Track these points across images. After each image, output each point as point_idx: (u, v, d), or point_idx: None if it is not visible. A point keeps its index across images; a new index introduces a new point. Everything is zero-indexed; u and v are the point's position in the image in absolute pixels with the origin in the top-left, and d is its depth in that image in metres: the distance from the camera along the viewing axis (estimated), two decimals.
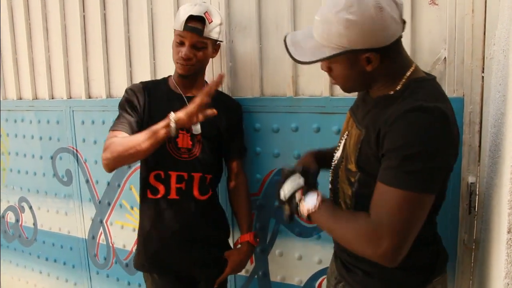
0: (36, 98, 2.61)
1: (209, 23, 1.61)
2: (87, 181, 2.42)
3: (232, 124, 1.78)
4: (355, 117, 1.22)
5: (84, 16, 2.32)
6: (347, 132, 1.23)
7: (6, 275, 3.02)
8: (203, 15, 1.60)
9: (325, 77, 1.66)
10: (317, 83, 1.75)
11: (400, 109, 1.01)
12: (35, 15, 2.51)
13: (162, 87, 1.76)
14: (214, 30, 1.65)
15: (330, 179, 1.30)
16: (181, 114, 1.45)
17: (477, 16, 1.41)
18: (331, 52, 1.05)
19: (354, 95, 1.30)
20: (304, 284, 1.89)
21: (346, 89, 1.20)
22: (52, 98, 2.52)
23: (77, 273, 2.61)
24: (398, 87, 1.09)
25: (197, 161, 1.69)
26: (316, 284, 1.86)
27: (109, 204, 2.36)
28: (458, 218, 1.54)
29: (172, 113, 1.46)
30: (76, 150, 2.43)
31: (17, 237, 2.91)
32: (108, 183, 2.33)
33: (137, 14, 2.15)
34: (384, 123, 1.02)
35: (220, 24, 1.69)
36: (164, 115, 1.50)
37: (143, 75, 2.15)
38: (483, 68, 1.43)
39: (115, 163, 1.53)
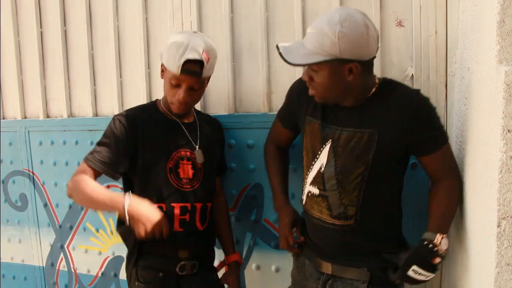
0: None
1: (207, 62, 1.48)
2: (45, 205, 2.29)
3: (221, 143, 1.79)
4: (332, 124, 1.35)
5: (41, 32, 2.23)
6: (330, 140, 1.34)
7: None
8: (201, 57, 1.45)
9: None
10: None
11: (404, 97, 1.28)
12: None
13: (155, 114, 1.62)
14: (211, 67, 1.54)
15: (314, 191, 1.40)
16: (139, 210, 1.42)
17: (440, 37, 1.56)
18: (322, 58, 1.22)
19: None
20: None
21: (323, 99, 1.33)
22: (3, 118, 2.38)
23: None
24: (373, 90, 1.31)
25: (198, 190, 1.64)
26: None
27: (71, 228, 2.24)
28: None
29: (129, 197, 1.43)
30: (33, 173, 2.30)
31: None
32: (70, 206, 2.22)
33: (102, 31, 2.10)
34: (403, 114, 1.26)
35: (216, 56, 1.56)
36: (163, 145, 1.56)
37: (109, 93, 2.11)
38: (446, 84, 1.57)
39: (75, 200, 1.58)
